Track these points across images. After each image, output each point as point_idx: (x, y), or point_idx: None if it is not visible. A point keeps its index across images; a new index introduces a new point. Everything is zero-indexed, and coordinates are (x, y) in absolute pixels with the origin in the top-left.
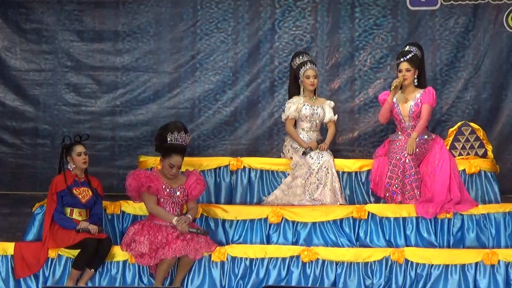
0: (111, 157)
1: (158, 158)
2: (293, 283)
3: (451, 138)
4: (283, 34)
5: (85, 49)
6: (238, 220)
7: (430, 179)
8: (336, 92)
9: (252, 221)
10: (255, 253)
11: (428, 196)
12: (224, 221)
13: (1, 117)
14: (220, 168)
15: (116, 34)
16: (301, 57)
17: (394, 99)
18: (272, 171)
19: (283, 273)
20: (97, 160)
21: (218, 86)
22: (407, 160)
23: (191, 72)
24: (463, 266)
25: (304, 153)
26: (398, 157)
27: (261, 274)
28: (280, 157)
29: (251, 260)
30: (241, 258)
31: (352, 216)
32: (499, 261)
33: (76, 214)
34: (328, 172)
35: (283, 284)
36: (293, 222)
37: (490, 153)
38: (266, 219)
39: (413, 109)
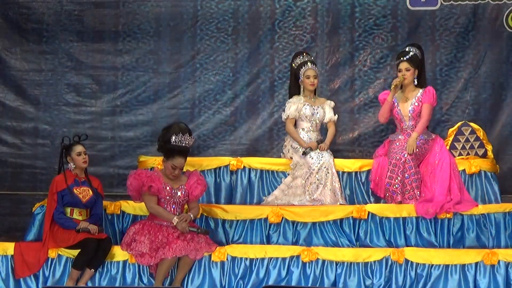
0: (111, 157)
1: (158, 158)
2: (293, 283)
3: (451, 138)
4: (283, 34)
5: (85, 49)
6: (238, 220)
7: (430, 179)
8: (336, 92)
9: (252, 221)
10: (255, 253)
11: (428, 196)
12: (224, 221)
13: (1, 117)
14: (220, 168)
15: (116, 34)
16: (301, 57)
17: (394, 99)
18: (272, 171)
19: (283, 273)
20: (97, 160)
21: (218, 86)
22: (407, 160)
23: (191, 72)
24: (463, 266)
25: (304, 153)
26: (398, 157)
27: (261, 274)
28: (280, 157)
29: (251, 260)
30: (241, 258)
31: (352, 216)
32: (499, 261)
33: (76, 214)
34: (328, 172)
35: (283, 284)
36: (293, 222)
37: (490, 153)
38: (266, 219)
39: (413, 109)
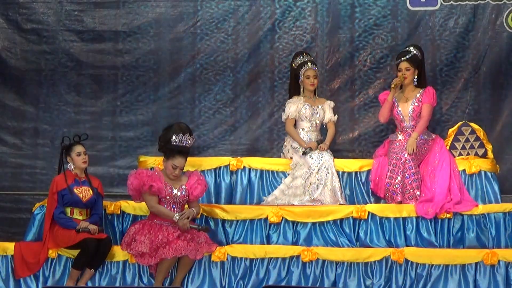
0: (111, 157)
1: (159, 158)
2: (293, 283)
3: (451, 138)
4: (283, 34)
5: (86, 49)
6: (238, 220)
7: (430, 179)
8: (336, 92)
9: (252, 221)
10: (255, 253)
11: (428, 196)
12: (224, 221)
13: (1, 117)
14: (220, 168)
15: (116, 34)
16: (301, 57)
17: (394, 99)
18: (272, 171)
19: (283, 273)
20: (97, 160)
21: (218, 86)
22: (407, 160)
23: (191, 72)
24: (463, 266)
25: (304, 153)
26: (398, 157)
27: (261, 274)
28: (280, 157)
29: (251, 260)
30: (241, 258)
31: (352, 216)
32: (499, 261)
33: (76, 214)
34: (328, 172)
35: (283, 284)
36: (293, 222)
37: (490, 153)
38: (266, 219)
39: (413, 109)
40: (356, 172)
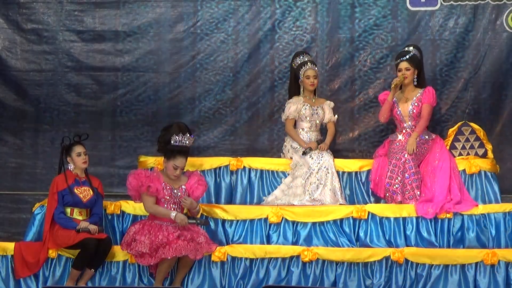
0: (111, 157)
1: (158, 158)
2: (293, 283)
3: (451, 138)
4: (283, 34)
5: (86, 49)
6: (238, 220)
7: (430, 179)
8: (336, 92)
9: (252, 221)
10: (255, 253)
11: (428, 196)
12: (224, 221)
13: (1, 117)
14: (220, 168)
15: (116, 35)
16: (301, 57)
17: (394, 99)
18: (272, 171)
19: (283, 273)
20: (97, 160)
21: (218, 86)
22: (407, 160)
23: (191, 73)
24: (463, 266)
25: (304, 153)
26: (398, 157)
27: (261, 274)
28: (280, 157)
29: (251, 260)
30: (241, 258)
31: (352, 216)
32: (499, 261)
33: (76, 214)
34: (328, 172)
35: (283, 284)
36: (293, 222)
37: (490, 153)
38: (266, 219)
39: (413, 109)
40: (356, 172)
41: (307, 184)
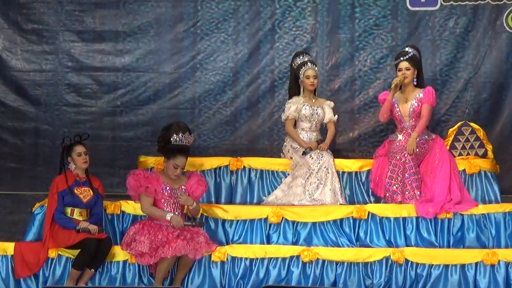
0: (111, 157)
1: (158, 158)
2: (293, 283)
3: (451, 138)
4: (283, 34)
5: (86, 49)
6: (238, 220)
7: (430, 179)
8: (336, 92)
9: (252, 221)
10: (255, 253)
11: (428, 196)
12: (224, 221)
13: (2, 117)
14: (220, 168)
15: (116, 35)
16: (301, 57)
17: (394, 99)
18: (272, 171)
19: (283, 273)
20: (97, 160)
21: (218, 87)
22: (407, 160)
23: (191, 73)
24: (463, 266)
25: (304, 153)
26: (398, 157)
27: (261, 274)
28: (280, 157)
29: (251, 260)
30: (241, 258)
31: (352, 216)
32: (499, 261)
33: (76, 214)
34: (328, 172)
35: (283, 284)
36: (293, 222)
37: (490, 153)
38: (266, 219)
39: (413, 109)
40: (356, 172)
41: (307, 184)
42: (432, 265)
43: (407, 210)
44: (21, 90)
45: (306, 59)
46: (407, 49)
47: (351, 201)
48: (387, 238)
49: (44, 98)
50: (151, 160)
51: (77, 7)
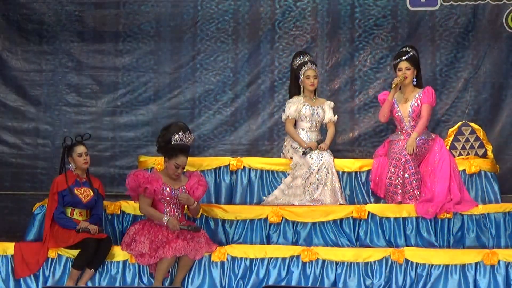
0: (111, 157)
1: (158, 158)
2: (293, 283)
3: (451, 138)
4: (283, 34)
5: (86, 49)
6: (238, 220)
7: (430, 179)
8: (336, 92)
9: (252, 221)
10: (255, 253)
11: (428, 196)
12: (224, 221)
13: (2, 117)
14: (220, 168)
15: (116, 35)
16: (301, 57)
17: (394, 99)
18: (272, 171)
19: (283, 273)
20: (97, 160)
21: (218, 87)
22: (407, 160)
23: (191, 73)
24: (463, 266)
25: (304, 153)
26: (398, 157)
27: (261, 274)
28: (280, 157)
29: (251, 260)
30: (241, 258)
31: (352, 216)
32: (499, 261)
33: (76, 214)
34: (328, 172)
35: (283, 284)
36: (293, 222)
37: (490, 153)
38: (266, 219)
39: (413, 109)
40: (356, 172)
41: (307, 184)
42: (432, 265)
43: (407, 210)
44: (21, 90)
45: (306, 59)
46: (406, 49)
47: (351, 201)
48: (387, 238)
49: (44, 98)
50: (151, 160)
51: (77, 7)
